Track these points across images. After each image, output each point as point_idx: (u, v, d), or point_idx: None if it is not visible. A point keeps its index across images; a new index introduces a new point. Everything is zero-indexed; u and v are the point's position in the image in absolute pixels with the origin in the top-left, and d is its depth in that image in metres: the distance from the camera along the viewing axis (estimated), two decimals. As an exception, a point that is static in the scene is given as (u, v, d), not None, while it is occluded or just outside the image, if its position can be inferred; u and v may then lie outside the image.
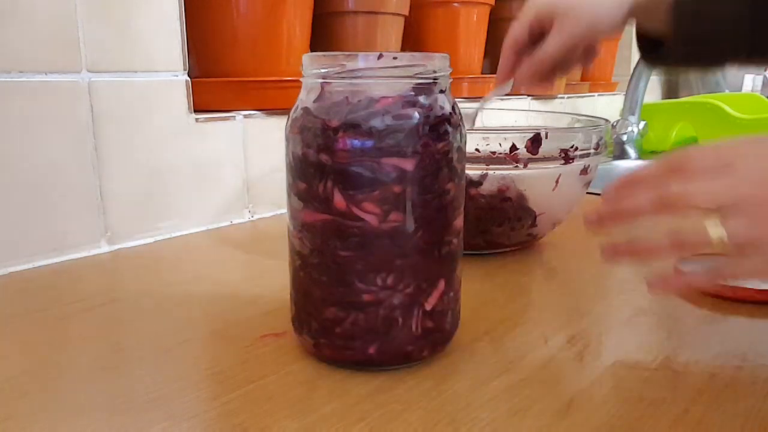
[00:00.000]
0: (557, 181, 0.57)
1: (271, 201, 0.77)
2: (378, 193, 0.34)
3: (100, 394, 0.35)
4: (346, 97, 0.34)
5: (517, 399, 0.35)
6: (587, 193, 0.64)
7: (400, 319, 0.36)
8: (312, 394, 0.35)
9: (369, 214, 0.34)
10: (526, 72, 0.56)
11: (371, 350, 0.36)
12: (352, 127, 0.33)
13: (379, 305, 0.35)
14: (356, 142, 0.33)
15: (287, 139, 0.37)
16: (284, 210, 0.46)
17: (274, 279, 0.54)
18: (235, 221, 0.73)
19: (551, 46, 0.54)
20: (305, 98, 0.36)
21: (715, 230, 0.31)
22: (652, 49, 0.57)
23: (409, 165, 0.34)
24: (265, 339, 0.42)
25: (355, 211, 0.34)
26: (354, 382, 0.36)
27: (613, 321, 0.45)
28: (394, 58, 0.35)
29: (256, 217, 0.75)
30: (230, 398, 0.35)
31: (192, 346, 0.41)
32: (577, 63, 0.58)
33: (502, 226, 0.57)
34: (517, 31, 0.56)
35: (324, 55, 0.35)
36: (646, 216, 0.35)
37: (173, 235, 0.67)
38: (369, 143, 0.33)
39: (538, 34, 0.56)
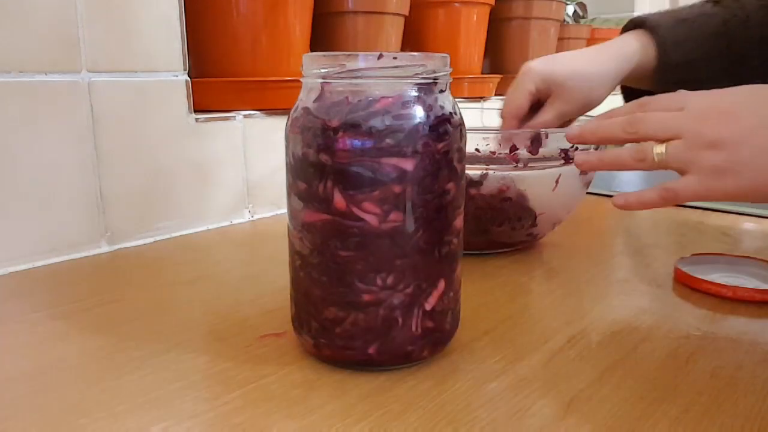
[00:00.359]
0: (557, 181, 0.57)
1: (271, 201, 0.77)
2: (378, 193, 0.34)
3: (101, 394, 0.35)
4: (346, 97, 0.34)
5: (517, 399, 0.35)
6: (587, 193, 0.64)
7: (400, 319, 0.36)
8: (312, 394, 0.35)
9: (369, 214, 0.34)
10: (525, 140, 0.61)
11: (371, 350, 0.36)
12: (352, 127, 0.33)
13: (379, 305, 0.35)
14: (356, 142, 0.33)
15: (287, 139, 0.37)
16: (284, 210, 0.46)
17: (274, 279, 0.54)
18: (235, 221, 0.73)
19: (547, 116, 0.60)
20: (305, 98, 0.36)
21: (659, 150, 0.41)
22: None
23: (409, 165, 0.34)
24: (265, 339, 0.42)
25: (355, 211, 0.34)
26: (354, 382, 0.36)
27: (613, 321, 0.45)
28: (394, 58, 0.35)
29: (256, 217, 0.75)
30: (230, 398, 0.35)
31: (192, 346, 0.41)
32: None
33: (502, 226, 0.58)
34: (518, 101, 0.61)
35: (324, 55, 0.35)
36: (616, 139, 0.44)
37: (173, 235, 0.67)
38: (369, 143, 0.33)
39: (536, 103, 0.62)
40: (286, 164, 0.37)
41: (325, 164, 0.34)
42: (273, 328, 0.43)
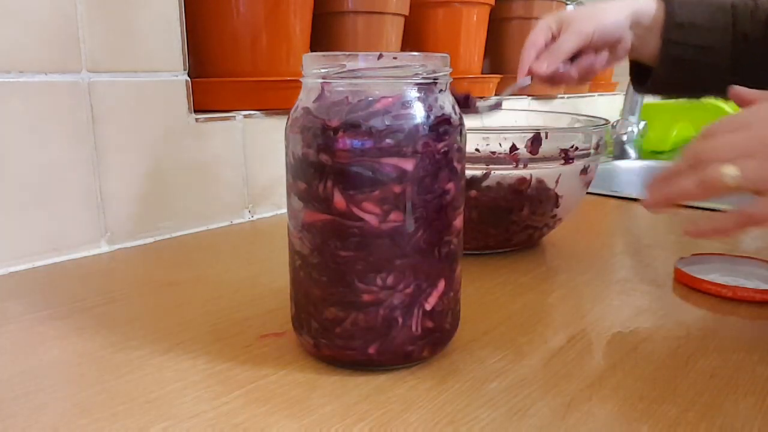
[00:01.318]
0: (557, 181, 0.57)
1: (271, 201, 0.77)
2: (378, 193, 0.34)
3: (100, 394, 0.35)
4: (346, 97, 0.34)
5: (517, 399, 0.35)
6: (587, 193, 0.64)
7: (400, 319, 0.36)
8: (312, 394, 0.35)
9: (369, 214, 0.34)
10: (543, 62, 0.61)
11: (371, 350, 0.36)
12: (352, 127, 0.34)
13: (379, 305, 0.35)
14: (356, 142, 0.33)
15: (287, 139, 0.37)
16: (284, 210, 0.46)
17: (274, 279, 0.54)
18: (235, 221, 0.73)
19: (564, 39, 0.61)
20: (305, 98, 0.36)
21: (732, 173, 0.37)
22: (643, 77, 0.66)
23: (409, 165, 0.34)
24: (265, 339, 0.42)
25: (355, 211, 0.34)
26: (354, 382, 0.36)
27: (613, 321, 0.45)
28: (394, 58, 0.35)
29: (256, 217, 0.75)
30: (230, 398, 0.35)
31: (192, 346, 0.41)
32: (594, 64, 0.64)
33: (524, 210, 0.57)
34: (534, 36, 0.63)
35: (324, 55, 0.35)
36: (689, 191, 0.39)
37: (173, 235, 0.67)
38: (369, 143, 0.33)
39: (552, 42, 0.63)
40: (286, 164, 0.37)
41: (325, 164, 0.34)
42: (273, 328, 0.43)
